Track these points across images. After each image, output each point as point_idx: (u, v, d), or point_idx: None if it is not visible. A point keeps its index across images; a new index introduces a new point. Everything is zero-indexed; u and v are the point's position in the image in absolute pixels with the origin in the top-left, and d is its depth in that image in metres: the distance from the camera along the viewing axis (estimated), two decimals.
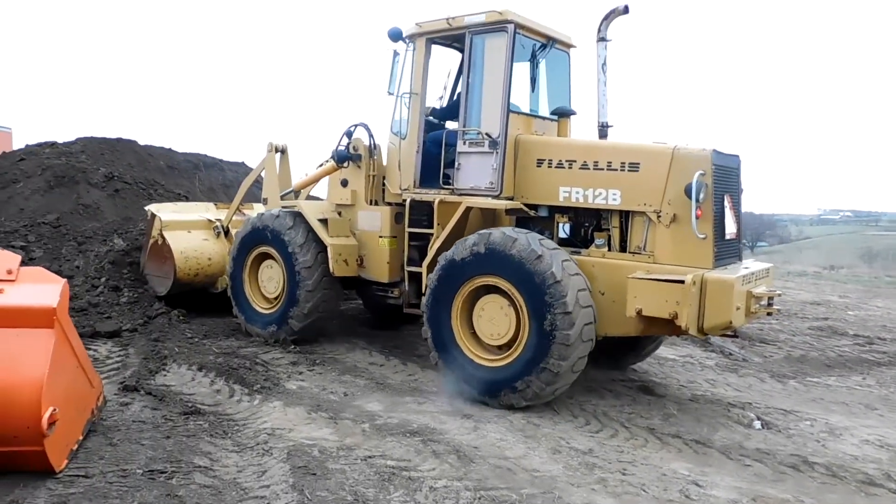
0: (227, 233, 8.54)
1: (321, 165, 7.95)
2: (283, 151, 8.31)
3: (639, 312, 5.21)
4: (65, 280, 4.09)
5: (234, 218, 8.64)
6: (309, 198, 8.59)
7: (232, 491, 3.73)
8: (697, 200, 5.18)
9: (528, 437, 4.89)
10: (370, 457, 4.35)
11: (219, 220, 8.65)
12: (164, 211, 8.45)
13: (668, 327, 5.31)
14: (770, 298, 5.41)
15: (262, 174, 8.43)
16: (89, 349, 6.21)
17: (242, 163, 14.31)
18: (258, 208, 8.71)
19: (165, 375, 5.83)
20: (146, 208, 8.66)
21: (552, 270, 5.21)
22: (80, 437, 4.18)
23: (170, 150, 13.23)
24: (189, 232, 8.37)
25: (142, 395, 5.25)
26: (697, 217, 5.21)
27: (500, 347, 5.64)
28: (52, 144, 11.73)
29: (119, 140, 12.37)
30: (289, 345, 7.08)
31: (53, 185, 10.28)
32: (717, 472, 4.41)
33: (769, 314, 5.56)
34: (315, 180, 8.16)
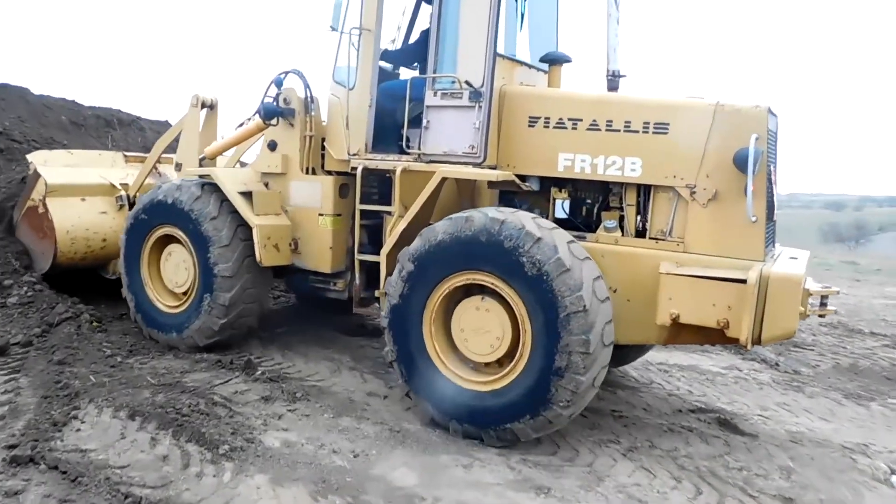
0: (132, 205, 6.64)
1: (242, 125, 6.25)
2: (212, 107, 6.56)
3: (675, 319, 4.00)
4: None
5: (145, 183, 6.77)
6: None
7: None
8: (753, 173, 3.97)
9: None
10: None
11: (125, 184, 6.75)
12: (52, 166, 6.48)
13: (709, 337, 4.15)
14: (824, 297, 4.30)
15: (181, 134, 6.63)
16: None
17: (166, 121, 11.91)
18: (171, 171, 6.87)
19: (79, 431, 3.93)
20: (29, 157, 6.64)
21: (558, 256, 3.89)
22: None
23: (73, 102, 10.70)
24: (83, 200, 6.48)
25: (41, 472, 3.45)
26: (752, 193, 4.01)
27: (493, 364, 4.31)
28: None
29: (5, 87, 9.81)
30: (252, 370, 5.15)
31: None
32: None
33: (822, 316, 4.46)
34: (232, 144, 6.45)
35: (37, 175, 6.34)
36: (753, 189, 3.99)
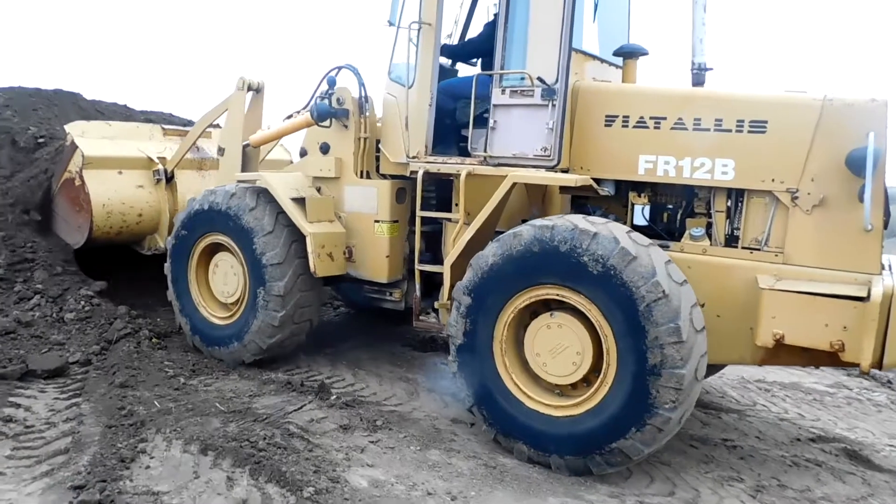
0: (169, 179, 6.47)
1: (290, 117, 5.96)
2: (258, 90, 6.26)
3: (778, 340, 3.58)
4: None
5: (184, 157, 6.55)
6: (266, 164, 6.58)
7: None
8: (873, 175, 3.52)
9: None
10: None
11: (162, 158, 6.52)
12: (90, 137, 6.26)
13: (816, 359, 3.72)
14: None
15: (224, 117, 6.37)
16: (16, 405, 4.26)
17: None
18: (216, 137, 6.58)
19: (148, 468, 3.56)
20: (66, 127, 6.39)
21: (656, 279, 3.50)
22: None
23: (126, 107, 10.59)
24: (120, 173, 6.25)
25: None
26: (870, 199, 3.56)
27: (580, 384, 3.93)
28: None
29: (57, 92, 9.71)
30: (326, 394, 4.73)
31: None
32: None
33: None
34: (278, 136, 6.13)
35: (73, 146, 6.11)
36: (872, 193, 3.55)
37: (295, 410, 4.49)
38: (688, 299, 3.61)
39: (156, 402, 4.43)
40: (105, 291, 6.12)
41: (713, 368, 5.41)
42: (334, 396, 4.75)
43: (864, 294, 3.37)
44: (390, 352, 6.01)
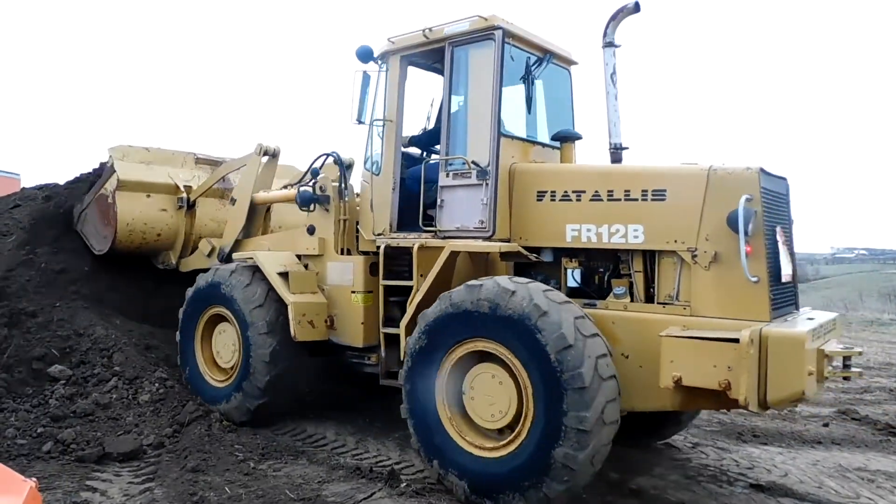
0: (191, 206, 7.35)
1: (286, 187, 6.83)
2: (275, 156, 7.18)
3: (677, 382, 3.97)
4: (31, 483, 2.60)
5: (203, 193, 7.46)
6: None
7: None
8: (746, 233, 4.00)
9: None
10: None
11: (188, 186, 7.43)
12: (129, 161, 7.21)
13: (718, 400, 4.07)
14: (847, 358, 4.13)
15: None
16: (92, 489, 4.45)
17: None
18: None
19: None
20: (109, 150, 7.29)
21: (562, 331, 3.99)
22: None
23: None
24: (148, 196, 7.18)
25: None
26: (747, 254, 4.02)
27: (500, 431, 4.38)
28: (52, 187, 9.96)
29: None
30: (395, 481, 4.70)
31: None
32: None
33: (846, 378, 4.27)
34: (276, 200, 7.00)
35: (112, 170, 7.07)
36: (748, 250, 4.01)
37: (365, 499, 4.44)
38: (594, 349, 4.05)
39: (226, 489, 4.47)
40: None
41: (674, 425, 5.72)
42: (404, 484, 4.67)
43: (737, 336, 3.76)
44: None
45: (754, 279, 4.05)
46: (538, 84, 5.73)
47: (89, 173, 7.74)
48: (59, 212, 7.63)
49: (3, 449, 4.94)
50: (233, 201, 7.14)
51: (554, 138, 5.60)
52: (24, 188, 9.96)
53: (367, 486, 4.65)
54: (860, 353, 4.25)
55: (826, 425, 6.78)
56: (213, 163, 7.86)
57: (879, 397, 8.17)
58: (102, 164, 7.50)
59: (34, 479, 2.51)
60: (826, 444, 6.24)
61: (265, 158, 7.12)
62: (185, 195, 7.37)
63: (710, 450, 5.90)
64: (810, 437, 6.40)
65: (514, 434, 4.20)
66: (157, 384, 6.13)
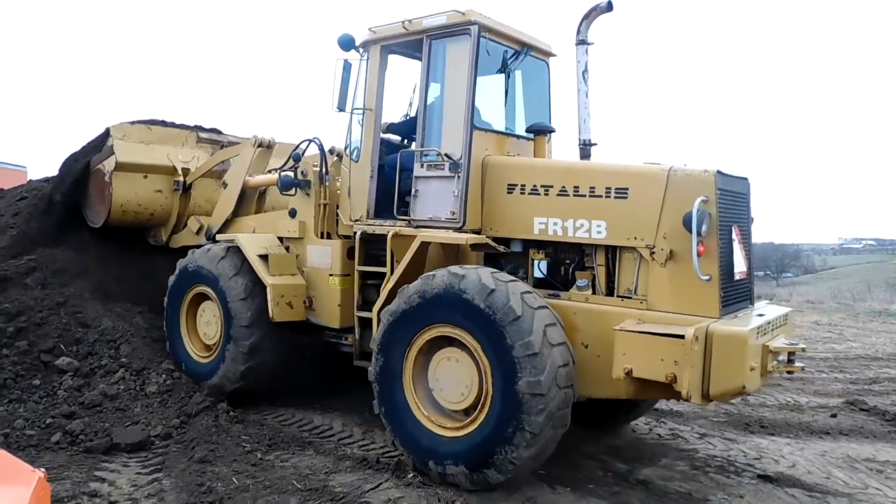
0: (186, 189, 7.51)
1: (272, 171, 6.97)
2: (269, 146, 7.27)
3: (628, 373, 4.19)
4: (39, 474, 2.55)
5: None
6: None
7: None
8: (699, 234, 4.18)
9: None
10: None
11: (185, 168, 7.55)
12: (129, 140, 7.30)
13: (666, 391, 4.29)
14: (791, 354, 4.36)
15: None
16: (101, 479, 4.50)
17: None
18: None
19: None
20: (111, 128, 7.34)
21: (510, 304, 4.21)
22: None
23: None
24: (144, 177, 7.30)
25: None
26: (699, 254, 4.22)
27: (465, 412, 4.60)
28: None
29: None
30: (402, 473, 4.72)
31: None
32: None
33: (790, 373, 4.51)
34: (264, 184, 7.15)
35: (111, 150, 7.17)
36: (701, 250, 4.20)
37: (372, 489, 4.46)
38: (542, 319, 4.26)
39: (234, 479, 4.51)
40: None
41: (630, 411, 5.96)
42: (411, 475, 4.68)
43: (682, 333, 3.97)
44: None
45: (705, 278, 4.24)
46: (516, 76, 5.87)
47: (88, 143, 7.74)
48: (65, 204, 7.62)
49: (12, 440, 5.04)
50: (224, 185, 7.29)
51: (528, 131, 5.74)
52: (30, 180, 10.15)
53: (373, 477, 4.70)
54: (804, 350, 4.47)
55: (834, 416, 6.85)
56: (215, 142, 7.98)
57: (888, 388, 8.22)
58: (107, 130, 7.43)
59: (43, 469, 2.58)
60: (834, 434, 6.30)
61: (258, 149, 7.24)
62: (181, 178, 7.49)
63: (717, 440, 5.95)
64: (818, 427, 6.46)
65: (476, 412, 4.42)
66: (164, 375, 6.24)
